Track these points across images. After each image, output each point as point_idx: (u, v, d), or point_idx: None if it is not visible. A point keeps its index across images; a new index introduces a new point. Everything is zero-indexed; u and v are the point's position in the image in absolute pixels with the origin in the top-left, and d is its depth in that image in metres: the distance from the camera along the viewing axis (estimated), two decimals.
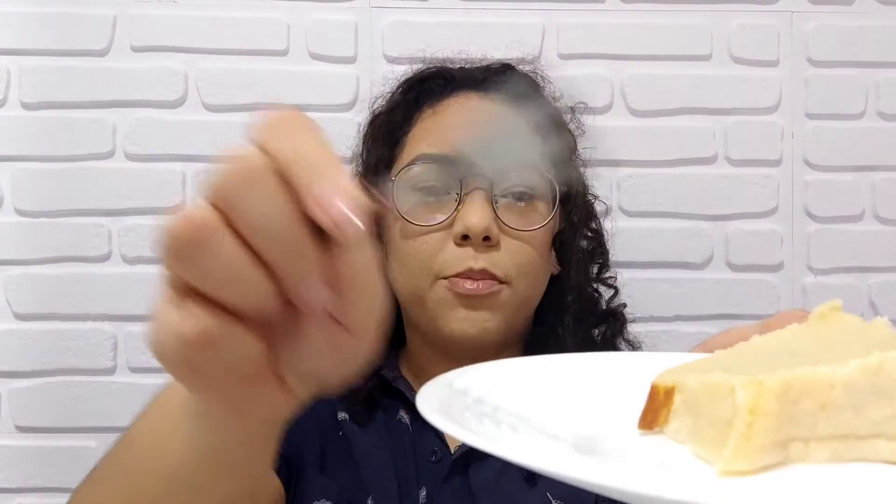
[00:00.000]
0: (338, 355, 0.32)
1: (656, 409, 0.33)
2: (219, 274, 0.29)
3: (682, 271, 1.13)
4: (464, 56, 0.92)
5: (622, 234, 1.12)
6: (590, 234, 0.89)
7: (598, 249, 0.91)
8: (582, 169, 0.91)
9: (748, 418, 0.27)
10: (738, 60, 1.13)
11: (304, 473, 0.74)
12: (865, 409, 0.28)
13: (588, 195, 0.91)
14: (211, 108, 1.10)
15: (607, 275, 0.91)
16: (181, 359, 0.30)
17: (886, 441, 0.29)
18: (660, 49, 1.13)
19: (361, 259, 0.30)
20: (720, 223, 1.13)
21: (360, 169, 0.87)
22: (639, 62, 1.13)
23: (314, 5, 1.11)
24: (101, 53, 1.09)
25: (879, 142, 1.14)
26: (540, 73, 0.91)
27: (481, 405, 0.31)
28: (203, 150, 1.09)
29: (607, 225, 1.11)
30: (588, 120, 1.11)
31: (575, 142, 0.89)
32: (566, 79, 1.11)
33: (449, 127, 0.80)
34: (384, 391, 0.80)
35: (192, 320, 0.29)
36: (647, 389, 0.33)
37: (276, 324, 0.31)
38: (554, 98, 0.90)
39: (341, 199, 0.28)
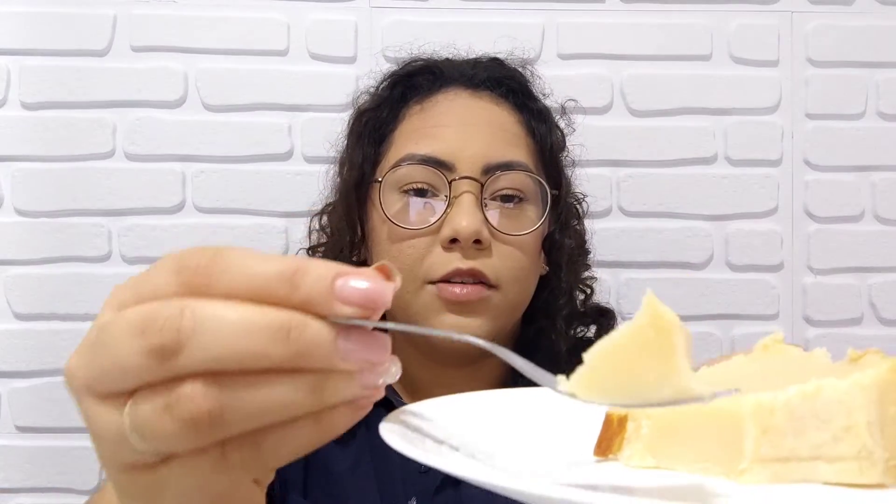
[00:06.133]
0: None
1: (610, 437, 0.35)
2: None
3: (682, 271, 1.13)
4: (454, 52, 0.89)
5: (622, 234, 1.12)
6: (576, 233, 0.87)
7: (584, 249, 0.88)
8: (570, 167, 0.88)
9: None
10: (738, 60, 1.13)
11: (287, 498, 0.72)
12: (805, 433, 0.30)
13: (575, 194, 0.89)
14: (211, 108, 1.10)
15: (587, 275, 0.89)
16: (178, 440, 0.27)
17: (826, 463, 0.30)
18: (660, 49, 1.13)
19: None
20: (720, 223, 1.13)
21: (345, 168, 0.83)
22: (639, 62, 1.13)
23: (314, 5, 1.11)
24: (101, 53, 1.09)
25: (879, 142, 1.14)
26: (529, 68, 0.88)
27: (443, 438, 0.32)
28: (203, 150, 1.09)
29: (607, 225, 1.12)
30: (588, 120, 1.12)
31: (564, 140, 0.87)
32: (566, 79, 1.11)
33: (437, 125, 0.76)
34: None
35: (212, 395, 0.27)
36: (602, 419, 0.36)
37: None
38: (543, 94, 0.87)
39: (357, 281, 0.27)
